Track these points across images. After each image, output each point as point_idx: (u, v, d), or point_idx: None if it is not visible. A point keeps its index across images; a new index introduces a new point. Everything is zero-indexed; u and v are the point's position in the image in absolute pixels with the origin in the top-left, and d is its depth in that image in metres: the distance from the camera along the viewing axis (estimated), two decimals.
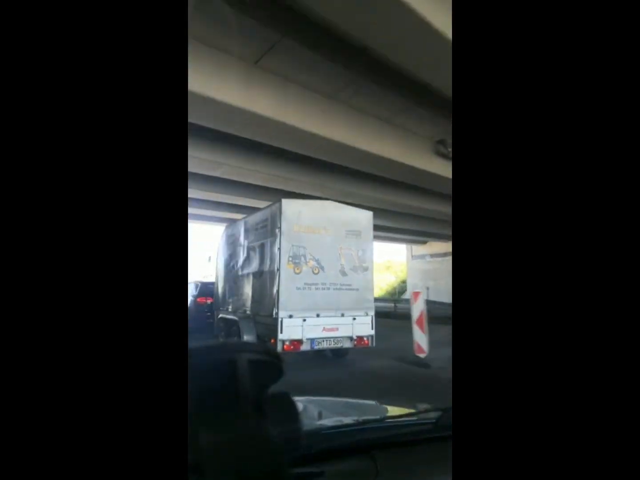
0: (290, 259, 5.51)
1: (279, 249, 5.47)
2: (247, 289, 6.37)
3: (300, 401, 0.70)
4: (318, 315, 5.54)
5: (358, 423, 0.95)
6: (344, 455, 0.79)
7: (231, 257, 7.30)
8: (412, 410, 1.09)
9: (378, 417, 1.07)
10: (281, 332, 5.28)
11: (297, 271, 5.53)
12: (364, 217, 6.22)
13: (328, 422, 1.00)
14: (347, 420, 1.01)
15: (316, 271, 5.67)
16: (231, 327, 6.45)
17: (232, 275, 7.17)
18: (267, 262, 5.83)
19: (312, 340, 5.48)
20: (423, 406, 1.15)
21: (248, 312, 6.21)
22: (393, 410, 1.25)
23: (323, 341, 5.59)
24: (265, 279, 5.84)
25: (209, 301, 9.28)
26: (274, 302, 5.41)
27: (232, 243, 7.36)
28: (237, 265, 6.97)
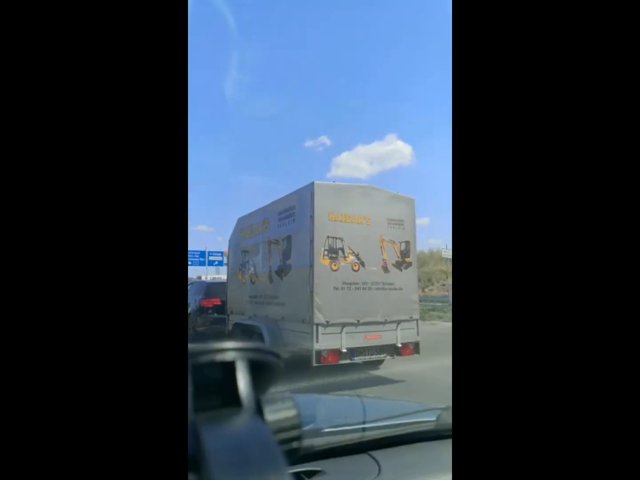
0: (326, 253, 4.57)
1: (312, 241, 4.53)
2: (270, 290, 5.42)
3: (300, 400, 0.53)
4: (358, 321, 4.62)
5: (358, 422, 0.90)
6: (344, 454, 0.80)
7: (247, 253, 6.35)
8: (413, 410, 1.10)
9: (378, 416, 0.99)
10: (317, 342, 4.36)
11: (334, 268, 4.60)
12: (407, 205, 5.27)
13: (328, 421, 0.94)
14: (348, 419, 0.96)
15: (356, 268, 4.74)
16: (251, 335, 5.45)
17: (249, 273, 6.22)
18: (296, 257, 4.89)
19: (352, 350, 4.55)
20: (423, 405, 1.17)
21: (272, 317, 5.27)
22: (393, 409, 1.22)
23: (364, 351, 4.67)
24: (294, 278, 4.90)
25: (216, 303, 8.40)
26: (308, 305, 4.46)
27: (247, 237, 6.40)
28: (255, 263, 6.02)
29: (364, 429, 0.87)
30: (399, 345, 4.79)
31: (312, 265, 4.49)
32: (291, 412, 0.43)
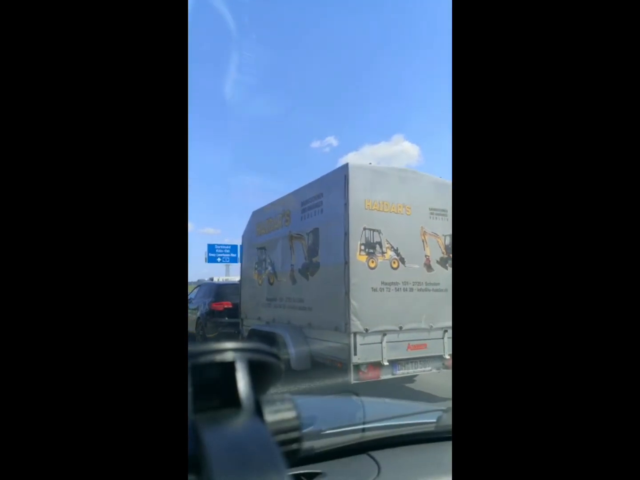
0: (363, 247, 3.85)
1: (347, 233, 3.81)
2: (293, 292, 4.69)
3: (300, 401, 0.47)
4: (400, 328, 3.89)
5: (359, 423, 0.92)
6: (344, 455, 0.80)
7: (264, 250, 5.63)
8: (413, 411, 1.12)
9: (378, 417, 0.99)
10: (355, 354, 3.63)
11: (371, 265, 3.87)
12: (450, 191, 4.53)
13: (328, 422, 0.93)
14: (348, 420, 0.97)
15: (395, 265, 4.00)
16: (271, 344, 4.73)
17: (265, 273, 5.50)
18: (325, 253, 4.17)
19: (394, 363, 3.82)
20: (423, 407, 1.24)
21: (296, 323, 4.55)
22: (393, 410, 1.22)
23: (408, 364, 3.94)
24: (322, 278, 4.17)
25: (227, 307, 7.68)
26: (343, 310, 3.74)
27: (264, 232, 5.69)
28: (273, 261, 5.31)
29: (363, 430, 0.87)
30: (447, 357, 4.06)
31: (347, 262, 3.76)
32: (291, 414, 0.41)
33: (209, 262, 19.95)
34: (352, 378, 3.56)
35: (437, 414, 0.96)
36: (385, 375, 3.75)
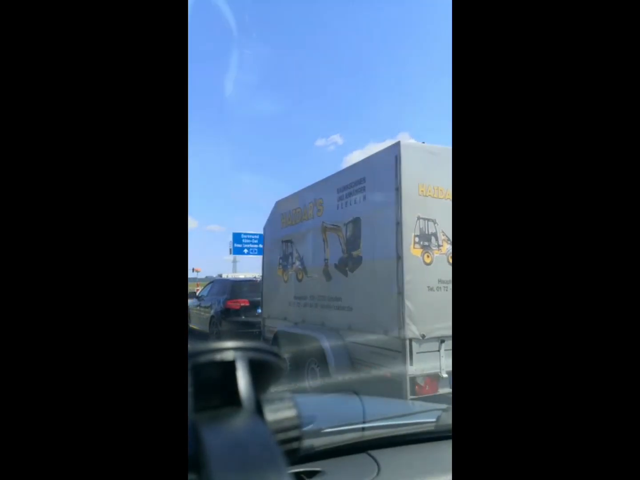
0: (417, 240, 3.31)
1: (399, 223, 3.27)
2: (327, 289, 4.15)
3: (300, 400, 0.47)
4: None
5: (359, 422, 0.90)
6: (344, 454, 0.80)
7: (290, 243, 5.10)
8: (413, 410, 1.15)
9: (378, 416, 0.97)
10: (411, 364, 3.10)
11: (427, 260, 3.33)
12: None
13: (328, 421, 0.92)
14: (348, 419, 0.94)
15: (452, 260, 3.45)
16: (304, 348, 4.18)
17: (293, 269, 4.97)
18: (369, 246, 3.63)
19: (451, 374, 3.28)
20: (423, 406, 1.22)
21: (332, 325, 4.01)
22: (393, 409, 1.24)
23: None
24: (367, 274, 3.62)
25: (244, 305, 7.16)
26: (395, 313, 3.19)
27: (290, 223, 5.16)
28: (302, 255, 4.78)
29: (363, 429, 0.87)
30: None
31: (400, 257, 3.22)
32: (291, 412, 0.41)
33: (234, 253, 18.20)
34: (408, 392, 3.03)
35: (437, 413, 0.96)
36: (443, 389, 3.21)
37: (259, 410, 0.39)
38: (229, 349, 0.38)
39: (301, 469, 0.71)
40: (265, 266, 5.88)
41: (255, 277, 8.89)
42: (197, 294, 9.20)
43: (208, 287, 8.80)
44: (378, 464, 0.78)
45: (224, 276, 12.51)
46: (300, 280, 4.76)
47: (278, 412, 0.40)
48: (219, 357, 0.38)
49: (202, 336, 7.70)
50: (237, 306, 7.17)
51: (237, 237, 18.23)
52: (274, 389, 0.44)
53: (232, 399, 0.38)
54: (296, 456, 0.40)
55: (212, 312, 7.65)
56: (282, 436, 0.39)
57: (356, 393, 1.20)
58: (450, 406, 0.61)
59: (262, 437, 0.35)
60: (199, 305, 8.48)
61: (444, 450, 0.76)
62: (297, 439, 0.40)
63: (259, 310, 6.47)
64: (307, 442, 0.69)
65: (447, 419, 0.90)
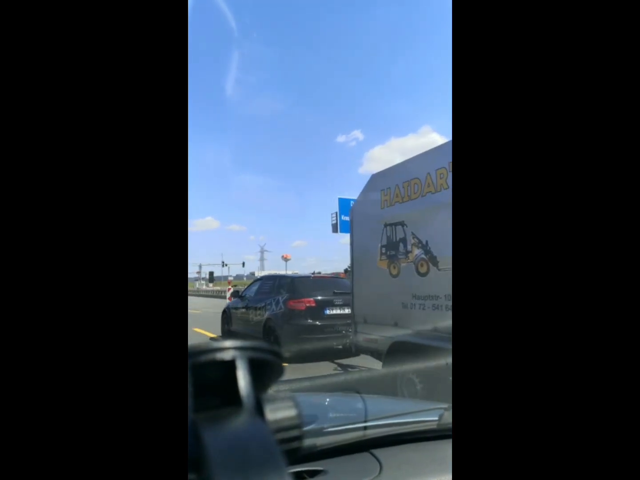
0: None
1: None
2: None
3: (301, 399, 0.54)
4: None
5: (360, 421, 0.91)
6: (346, 453, 0.80)
7: (400, 226, 3.92)
8: (414, 409, 1.11)
9: (380, 415, 1.01)
10: None
11: None
12: None
13: (330, 420, 0.96)
14: (349, 418, 0.97)
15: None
16: (438, 365, 2.98)
17: (407, 259, 3.77)
18: None
19: None
20: (425, 404, 1.21)
21: None
22: (395, 408, 1.24)
23: None
24: None
25: (310, 305, 5.85)
26: None
27: (398, 201, 3.96)
28: (426, 240, 3.59)
29: (365, 428, 0.86)
30: None
31: None
32: (292, 412, 0.41)
33: (341, 231, 12.37)
34: None
35: (439, 412, 0.95)
36: None
37: (259, 409, 0.38)
38: (229, 348, 0.39)
39: (303, 468, 0.71)
40: (356, 257, 4.67)
41: (314, 273, 7.44)
42: (241, 293, 7.69)
43: (255, 285, 7.39)
44: (380, 463, 0.78)
45: (257, 274, 11.25)
46: (424, 275, 3.57)
47: (278, 412, 0.39)
48: (219, 356, 0.38)
49: (257, 343, 6.74)
50: (302, 307, 5.79)
51: (344, 205, 11.54)
52: (274, 389, 0.44)
53: (232, 398, 0.38)
54: (297, 455, 0.40)
55: (266, 314, 6.27)
56: (282, 435, 0.39)
57: (358, 392, 1.20)
58: (451, 405, 0.55)
59: (262, 436, 0.35)
60: (246, 307, 7.03)
61: (446, 449, 0.76)
62: (298, 438, 0.40)
63: (326, 312, 5.70)
64: (309, 441, 0.70)
65: (449, 418, 0.88)
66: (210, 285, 50.61)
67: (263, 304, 6.45)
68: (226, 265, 58.44)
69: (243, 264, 60.82)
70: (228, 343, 0.39)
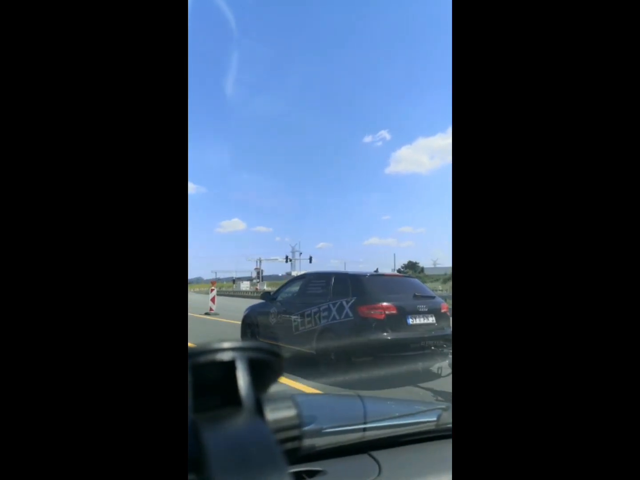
0: None
1: None
2: None
3: (301, 399, 0.51)
4: None
5: (359, 422, 0.90)
6: (345, 454, 0.80)
7: None
8: (413, 410, 1.10)
9: (379, 416, 0.98)
10: None
11: None
12: None
13: (329, 420, 0.92)
14: (348, 418, 0.95)
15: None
16: None
17: None
18: None
19: None
20: (424, 405, 1.18)
21: None
22: (394, 409, 1.22)
23: None
24: None
25: (391, 312, 4.23)
26: None
27: None
28: None
29: (364, 429, 0.86)
30: None
31: None
32: (291, 412, 0.41)
33: None
34: None
35: (437, 412, 0.96)
36: None
37: (259, 409, 0.38)
38: (228, 349, 0.38)
39: (302, 469, 0.71)
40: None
41: (376, 271, 6.10)
42: (272, 294, 5.94)
43: (294, 285, 5.65)
44: (379, 464, 0.78)
45: (294, 274, 10.41)
46: None
47: (278, 412, 0.39)
48: (219, 357, 0.38)
49: (307, 360, 4.58)
50: (380, 315, 4.20)
51: None
52: (274, 389, 0.44)
53: (232, 398, 0.38)
54: (296, 455, 0.40)
55: (320, 323, 4.61)
56: (282, 435, 0.38)
57: (358, 394, 1.18)
58: (451, 405, 0.59)
59: (262, 436, 0.35)
60: (283, 312, 5.31)
61: (445, 450, 0.76)
62: (297, 438, 0.40)
63: (409, 321, 4.28)
64: (308, 442, 0.70)
65: (448, 418, 0.89)
66: (265, 285, 46.70)
67: (314, 310, 4.77)
68: (290, 260, 53.73)
69: (287, 258, 55.58)
70: (228, 343, 0.39)
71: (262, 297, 6.26)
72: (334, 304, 4.60)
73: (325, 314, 4.65)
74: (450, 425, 0.81)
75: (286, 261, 56.17)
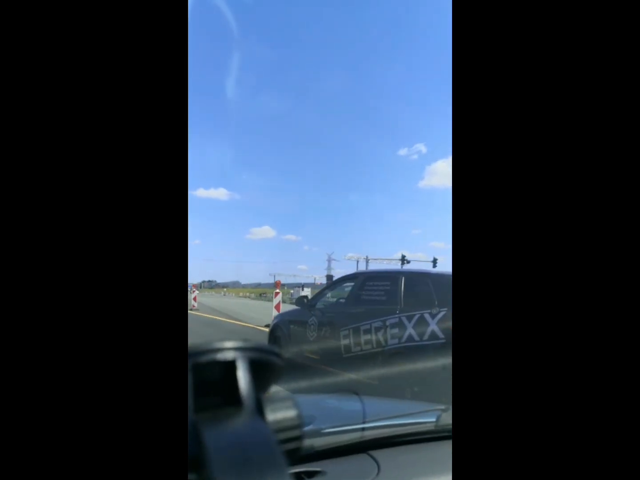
0: None
1: None
2: None
3: (301, 400, 0.50)
4: None
5: (359, 422, 0.89)
6: (344, 454, 0.80)
7: None
8: (413, 410, 1.10)
9: (378, 416, 0.97)
10: None
11: None
12: None
13: (328, 421, 0.93)
14: (347, 419, 0.95)
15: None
16: None
17: None
18: None
19: None
20: (423, 406, 1.17)
21: None
22: (393, 410, 1.22)
23: None
24: None
25: None
26: None
27: None
28: None
29: (363, 429, 0.86)
30: None
31: None
32: (292, 412, 0.40)
33: None
34: None
35: (437, 413, 0.95)
36: None
37: (259, 410, 0.38)
38: (229, 348, 0.38)
39: (301, 469, 0.71)
40: None
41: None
42: (308, 300, 4.83)
43: (340, 288, 4.67)
44: (378, 464, 0.78)
45: (316, 280, 7.85)
46: None
47: (279, 412, 0.39)
48: (219, 356, 0.38)
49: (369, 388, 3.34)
50: None
51: None
52: (274, 389, 0.44)
53: (233, 398, 0.38)
54: (297, 456, 0.40)
55: (390, 342, 3.32)
56: (282, 436, 0.39)
57: (356, 393, 1.18)
58: (450, 406, 0.56)
59: (262, 437, 0.35)
60: (326, 325, 4.11)
61: (444, 450, 0.76)
62: (298, 438, 0.40)
63: None
64: (307, 442, 0.67)
65: (447, 419, 0.89)
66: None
67: (376, 325, 3.49)
68: (408, 261, 48.77)
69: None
70: (228, 343, 0.39)
71: (296, 303, 5.00)
72: (408, 318, 3.22)
73: (396, 331, 3.28)
74: (450, 426, 0.82)
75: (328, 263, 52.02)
